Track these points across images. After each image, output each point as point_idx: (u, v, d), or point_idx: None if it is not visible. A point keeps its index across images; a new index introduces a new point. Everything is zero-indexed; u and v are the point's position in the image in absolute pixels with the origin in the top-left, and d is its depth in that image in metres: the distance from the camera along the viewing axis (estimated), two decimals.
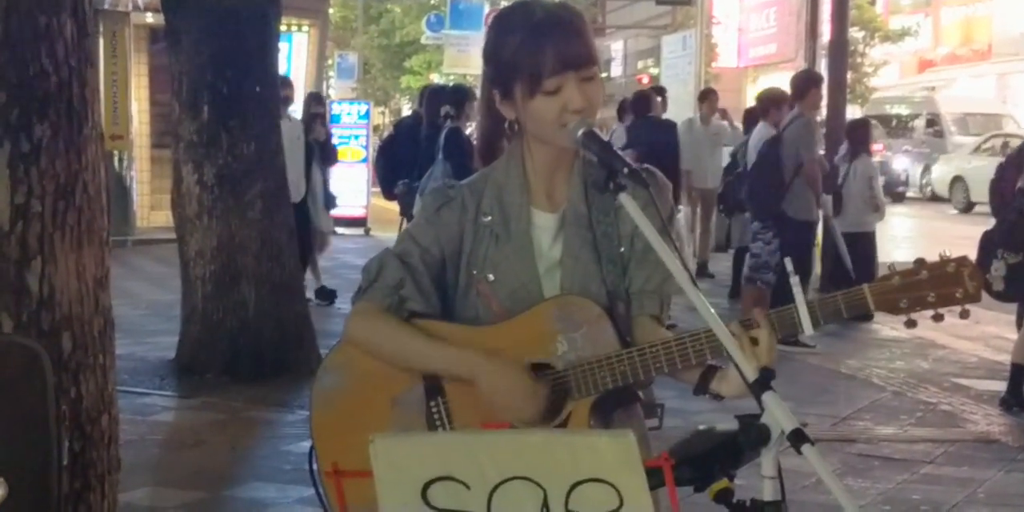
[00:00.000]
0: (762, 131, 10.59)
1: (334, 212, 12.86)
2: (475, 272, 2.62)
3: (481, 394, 2.50)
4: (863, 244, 11.46)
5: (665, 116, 14.13)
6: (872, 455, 6.92)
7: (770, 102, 10.94)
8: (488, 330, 2.57)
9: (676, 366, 2.47)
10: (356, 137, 20.08)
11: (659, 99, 13.72)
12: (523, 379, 2.48)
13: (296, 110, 12.16)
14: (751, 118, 12.86)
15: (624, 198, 2.33)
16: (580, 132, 2.45)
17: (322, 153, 11.97)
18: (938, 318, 2.40)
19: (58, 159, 3.82)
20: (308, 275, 11.33)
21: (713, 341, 2.41)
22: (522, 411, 2.48)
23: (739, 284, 11.76)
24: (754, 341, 2.39)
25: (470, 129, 10.15)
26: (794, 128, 10.07)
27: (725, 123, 15.20)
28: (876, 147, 25.56)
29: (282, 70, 12.80)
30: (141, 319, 10.94)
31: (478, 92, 2.86)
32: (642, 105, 13.10)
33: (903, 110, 32.50)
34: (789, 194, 9.99)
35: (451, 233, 2.63)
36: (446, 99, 10.45)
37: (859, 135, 11.97)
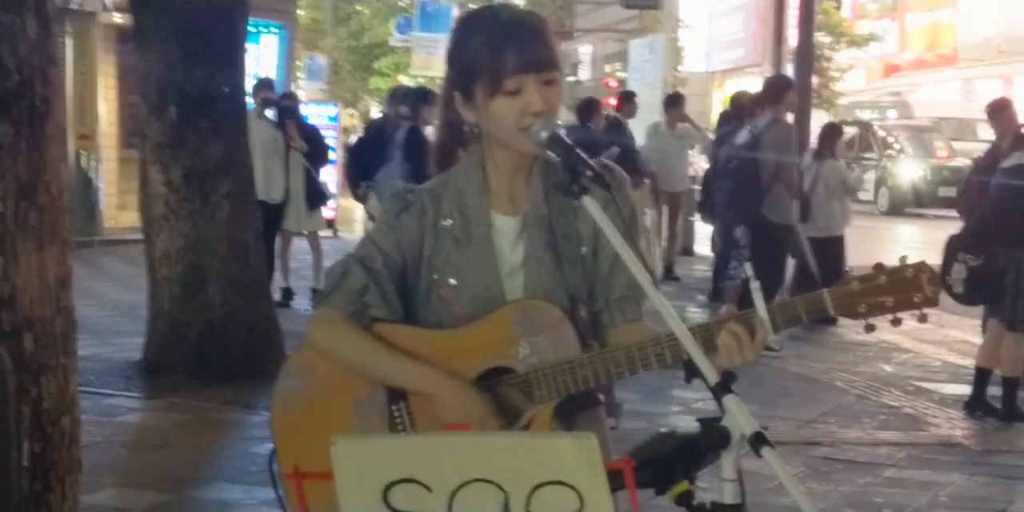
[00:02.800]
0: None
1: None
2: (436, 277, 2.61)
3: (436, 409, 2.51)
4: (831, 248, 11.50)
5: (633, 121, 14.12)
6: (836, 458, 6.94)
7: (755, 104, 11.01)
8: (450, 334, 2.58)
9: (636, 370, 2.48)
10: (325, 138, 20.00)
11: (626, 104, 13.67)
12: (476, 404, 2.49)
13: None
14: (731, 118, 12.90)
15: (587, 201, 2.34)
16: (544, 134, 2.45)
17: (311, 152, 11.90)
18: (896, 322, 2.42)
19: (20, 158, 3.80)
20: (276, 276, 11.32)
21: (673, 345, 2.42)
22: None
23: (717, 286, 11.79)
24: (745, 334, 2.40)
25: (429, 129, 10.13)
26: (772, 132, 10.10)
27: (690, 127, 15.22)
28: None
29: (251, 71, 12.75)
30: (107, 320, 10.89)
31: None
32: (586, 112, 12.81)
33: (876, 115, 32.58)
34: (768, 198, 10.03)
35: (412, 238, 2.63)
36: (402, 99, 10.43)
37: (829, 139, 12.02)
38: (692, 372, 2.37)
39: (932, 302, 2.41)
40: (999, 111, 9.33)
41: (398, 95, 11.12)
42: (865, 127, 28.51)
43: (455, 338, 2.56)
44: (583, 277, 2.63)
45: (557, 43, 2.64)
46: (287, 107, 12.09)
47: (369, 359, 2.57)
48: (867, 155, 27.25)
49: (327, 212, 18.74)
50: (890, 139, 27.58)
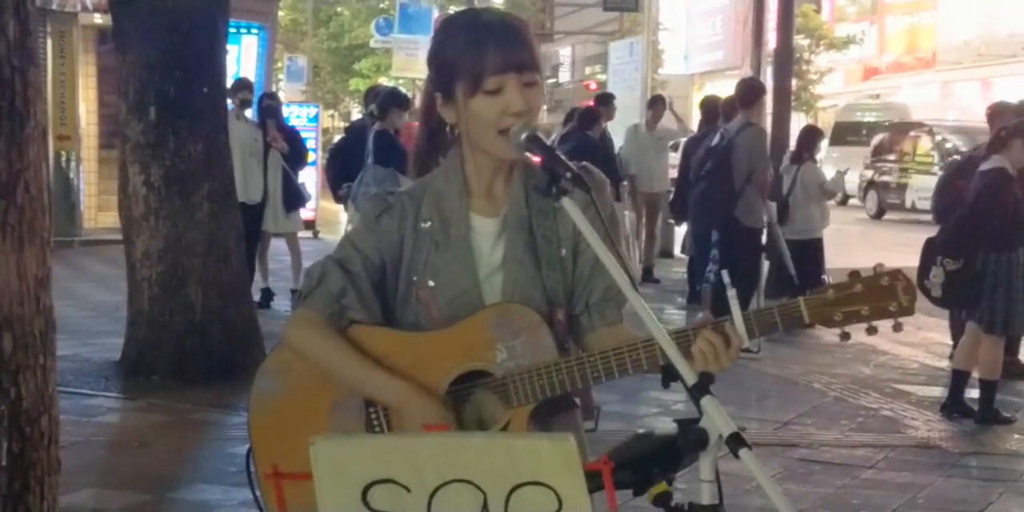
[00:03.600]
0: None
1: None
2: (415, 278, 2.62)
3: (405, 424, 2.52)
4: (811, 251, 11.54)
5: (612, 123, 14.11)
6: (813, 460, 6.97)
7: (729, 107, 11.08)
8: (427, 337, 2.58)
9: (613, 375, 2.48)
10: (305, 140, 19.96)
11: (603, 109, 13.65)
12: (443, 421, 2.49)
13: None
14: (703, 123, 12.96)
15: (567, 203, 2.35)
16: (523, 136, 2.46)
17: (290, 153, 11.86)
18: (871, 331, 2.43)
19: None
20: (256, 276, 11.30)
21: (650, 351, 2.43)
22: None
23: (695, 289, 11.82)
24: (720, 343, 2.41)
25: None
26: (745, 136, 10.13)
27: (669, 127, 15.21)
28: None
29: (231, 72, 12.71)
30: (87, 320, 10.87)
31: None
32: (587, 120, 12.75)
33: (873, 118, 32.29)
34: (740, 201, 10.06)
35: (391, 240, 2.64)
36: (371, 100, 10.40)
37: (808, 142, 12.06)
38: (669, 376, 2.39)
39: (907, 311, 2.42)
40: (997, 115, 9.34)
41: (371, 95, 11.10)
42: (920, 129, 27.84)
43: (433, 341, 2.57)
44: (562, 279, 2.64)
45: (538, 46, 2.65)
46: (269, 107, 12.06)
47: (341, 367, 2.57)
48: (920, 159, 26.79)
49: (306, 213, 18.77)
50: (947, 143, 26.34)
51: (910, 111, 31.53)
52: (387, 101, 10.17)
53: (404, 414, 2.52)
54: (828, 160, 28.22)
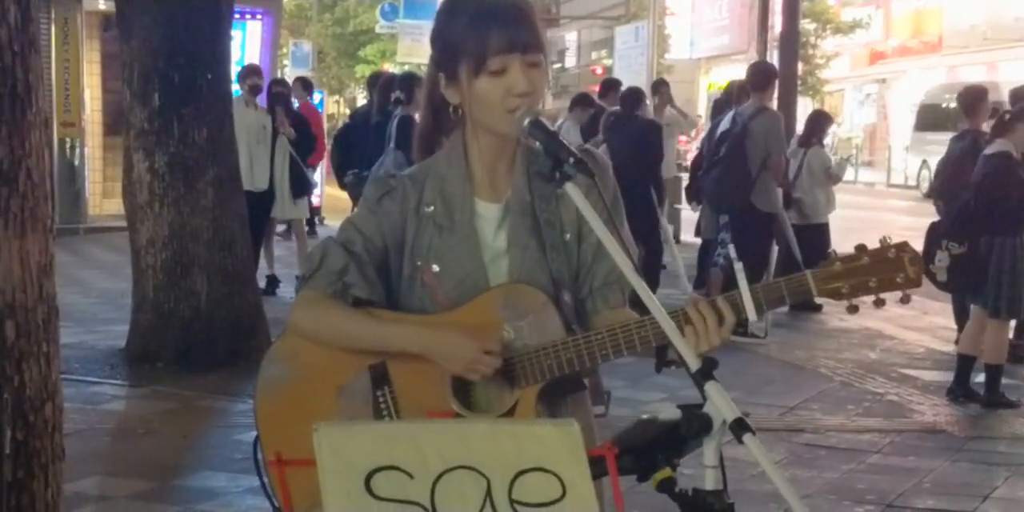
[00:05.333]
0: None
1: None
2: (419, 263, 2.61)
3: (434, 359, 2.49)
4: (816, 235, 11.53)
5: (615, 107, 14.01)
6: (819, 445, 6.96)
7: (740, 91, 11.02)
8: (434, 318, 2.57)
9: (621, 352, 2.47)
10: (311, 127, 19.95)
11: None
12: (469, 337, 2.47)
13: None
14: (724, 106, 12.86)
15: (570, 188, 2.35)
16: (527, 121, 2.45)
17: (298, 141, 11.86)
18: (879, 303, 2.43)
19: (0, 145, 3.78)
20: (262, 263, 11.30)
21: (658, 327, 2.42)
22: (478, 369, 2.47)
23: (704, 274, 11.80)
24: (712, 317, 2.40)
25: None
26: (761, 120, 10.09)
27: (676, 113, 15.17)
28: None
29: (235, 58, 12.69)
30: (92, 307, 10.88)
31: None
32: (634, 100, 11.92)
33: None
34: (756, 186, 10.04)
35: (393, 223, 2.63)
36: (397, 85, 10.37)
37: (817, 126, 12.04)
38: (662, 361, 2.39)
39: (914, 283, 2.42)
40: (976, 99, 9.30)
41: (384, 82, 11.06)
42: None
43: (439, 322, 2.56)
44: (567, 263, 2.63)
45: (543, 28, 2.64)
46: (279, 94, 12.04)
47: (356, 329, 2.56)
48: None
49: (312, 199, 18.73)
50: None
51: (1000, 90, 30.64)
52: (408, 84, 10.15)
53: (433, 350, 2.49)
54: (915, 147, 27.64)
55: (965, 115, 9.59)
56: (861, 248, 2.43)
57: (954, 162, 8.98)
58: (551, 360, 2.49)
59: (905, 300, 2.42)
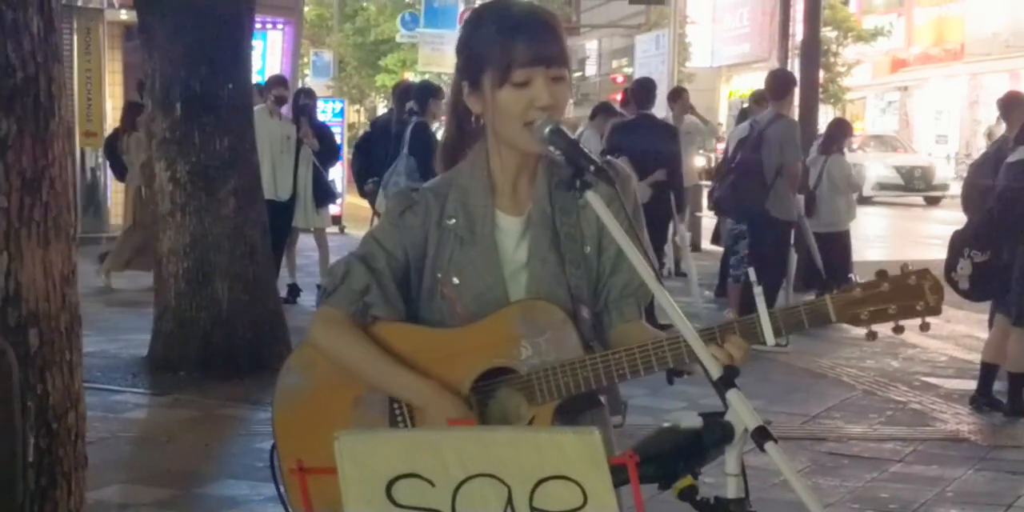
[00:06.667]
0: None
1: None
2: (440, 275, 2.61)
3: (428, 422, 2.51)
4: (838, 244, 11.50)
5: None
6: (841, 454, 6.94)
7: (759, 99, 11.01)
8: (452, 333, 2.58)
9: (639, 373, 2.47)
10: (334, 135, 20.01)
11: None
12: (456, 412, 2.48)
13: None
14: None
15: (591, 196, 2.34)
16: (547, 129, 2.45)
17: (322, 151, 11.89)
18: (899, 330, 2.43)
19: (24, 154, 3.80)
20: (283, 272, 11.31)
21: (675, 348, 2.42)
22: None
23: (725, 282, 11.79)
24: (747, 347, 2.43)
25: (437, 126, 10.12)
26: (777, 128, 10.07)
27: (697, 122, 15.16)
28: None
29: (256, 68, 12.74)
30: (114, 316, 10.90)
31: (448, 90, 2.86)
32: (644, 95, 11.72)
33: None
34: (772, 194, 10.02)
35: (415, 237, 2.63)
36: (412, 96, 10.42)
37: (837, 134, 12.02)
38: (674, 372, 2.39)
39: (934, 311, 2.42)
40: (1014, 106, 9.25)
41: (401, 91, 11.10)
42: None
43: (457, 337, 2.56)
44: (586, 277, 2.63)
45: (566, 42, 2.64)
46: (305, 106, 12.08)
47: (364, 366, 2.58)
48: None
49: (333, 208, 18.78)
50: None
51: None
52: (422, 94, 10.22)
53: (428, 414, 2.52)
54: None
55: (1004, 120, 9.57)
56: (882, 274, 2.43)
57: (977, 171, 8.96)
58: (568, 378, 2.48)
59: (924, 328, 2.42)
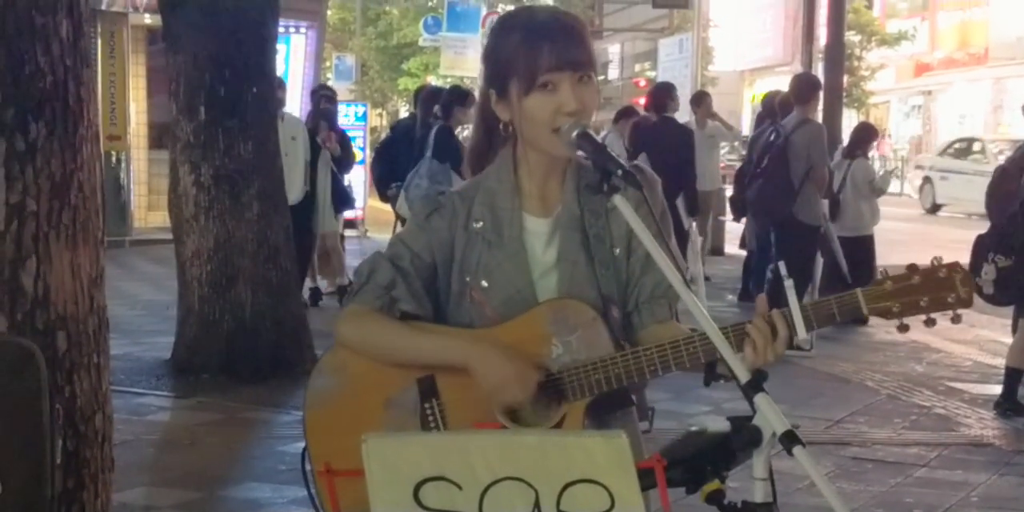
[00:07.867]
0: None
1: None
2: (468, 279, 2.61)
3: (474, 377, 2.49)
4: (862, 248, 11.47)
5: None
6: (866, 458, 6.92)
7: (785, 103, 10.98)
8: (482, 333, 2.57)
9: (670, 368, 2.47)
10: (353, 138, 20.02)
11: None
12: (513, 362, 2.48)
13: (292, 109, 12.07)
14: (763, 118, 12.78)
15: (618, 200, 2.34)
16: (574, 133, 2.46)
17: (340, 156, 11.90)
18: (930, 323, 2.42)
19: (53, 158, 3.82)
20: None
21: (706, 343, 2.41)
22: (512, 393, 2.48)
23: (748, 286, 11.77)
24: (768, 332, 2.42)
25: (460, 131, 10.12)
26: (803, 132, 10.06)
27: (719, 126, 15.14)
28: None
29: (279, 72, 12.75)
30: (138, 319, 10.94)
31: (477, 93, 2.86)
32: (662, 99, 11.96)
33: None
34: (799, 198, 10.00)
35: (442, 239, 2.63)
36: (441, 100, 10.43)
37: (862, 138, 11.99)
38: (712, 375, 2.39)
39: (966, 303, 2.41)
40: None
41: (427, 95, 11.12)
42: None
43: (488, 337, 2.56)
44: (616, 278, 2.63)
45: (592, 46, 2.65)
46: (326, 110, 12.10)
47: (399, 341, 2.56)
48: None
49: (353, 213, 18.76)
50: None
51: None
52: (449, 100, 10.23)
53: (475, 366, 2.49)
54: None
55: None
56: (912, 267, 2.43)
57: (1002, 177, 8.91)
58: (599, 375, 2.48)
59: (956, 320, 2.42)
